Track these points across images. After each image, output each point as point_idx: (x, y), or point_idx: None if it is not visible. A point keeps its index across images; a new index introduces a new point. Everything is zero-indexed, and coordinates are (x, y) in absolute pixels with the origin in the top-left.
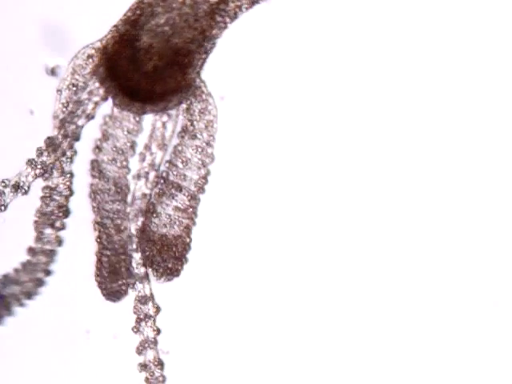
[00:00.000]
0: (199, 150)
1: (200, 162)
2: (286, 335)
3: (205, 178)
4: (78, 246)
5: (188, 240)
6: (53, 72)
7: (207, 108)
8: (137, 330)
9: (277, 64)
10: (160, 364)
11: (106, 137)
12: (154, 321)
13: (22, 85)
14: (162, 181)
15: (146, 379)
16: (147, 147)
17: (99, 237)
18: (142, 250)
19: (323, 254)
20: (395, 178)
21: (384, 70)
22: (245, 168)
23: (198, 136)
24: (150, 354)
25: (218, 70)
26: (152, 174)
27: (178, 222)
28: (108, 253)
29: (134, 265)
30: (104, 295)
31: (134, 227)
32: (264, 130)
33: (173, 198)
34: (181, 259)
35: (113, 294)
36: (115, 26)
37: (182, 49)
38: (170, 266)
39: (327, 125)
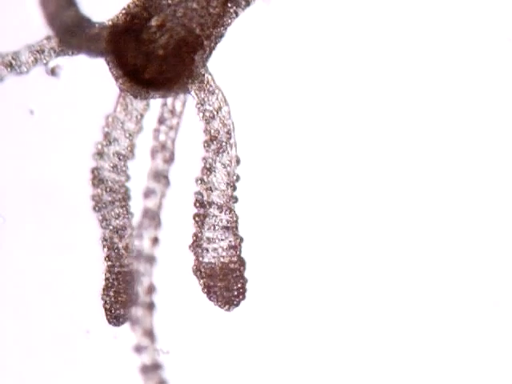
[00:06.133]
0: (221, 152)
1: (225, 170)
2: (291, 336)
3: (232, 185)
4: (79, 247)
5: (238, 260)
6: (53, 72)
7: (220, 105)
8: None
9: (277, 64)
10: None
11: (107, 139)
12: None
13: (22, 85)
14: (196, 204)
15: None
16: (161, 122)
17: (108, 256)
18: (202, 288)
19: (326, 253)
20: (394, 177)
21: (384, 69)
22: (246, 169)
23: (219, 138)
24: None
25: (219, 70)
26: (167, 152)
27: (222, 244)
28: (117, 275)
29: (140, 292)
30: (108, 318)
31: (145, 242)
32: (265, 130)
33: (207, 217)
34: (238, 283)
35: (117, 318)
36: (127, 5)
37: (192, 32)
38: (235, 294)
39: (327, 124)
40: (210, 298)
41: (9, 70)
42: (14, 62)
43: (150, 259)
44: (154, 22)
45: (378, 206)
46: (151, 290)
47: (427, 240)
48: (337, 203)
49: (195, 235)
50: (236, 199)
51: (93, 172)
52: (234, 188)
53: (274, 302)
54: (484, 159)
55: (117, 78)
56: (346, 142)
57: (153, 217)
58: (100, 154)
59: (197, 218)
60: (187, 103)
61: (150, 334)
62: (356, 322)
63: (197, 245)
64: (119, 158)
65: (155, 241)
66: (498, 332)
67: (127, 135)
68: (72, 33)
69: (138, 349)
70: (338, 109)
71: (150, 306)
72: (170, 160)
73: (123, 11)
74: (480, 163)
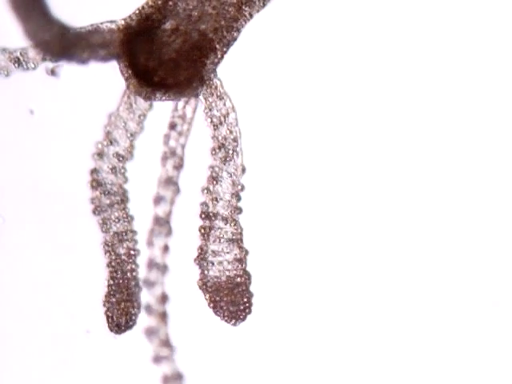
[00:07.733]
0: (227, 160)
1: (231, 179)
2: (294, 337)
3: (237, 195)
4: (79, 247)
5: (243, 273)
6: (53, 72)
7: (227, 111)
8: None
9: (277, 65)
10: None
11: (108, 139)
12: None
13: (22, 85)
14: (202, 216)
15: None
16: (171, 127)
17: (110, 263)
18: (208, 303)
19: (333, 266)
20: (395, 179)
21: (385, 70)
22: (249, 171)
23: (226, 145)
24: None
25: (219, 72)
26: (177, 158)
27: (227, 257)
28: (119, 282)
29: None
30: (109, 326)
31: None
32: (266, 131)
33: (213, 229)
34: (244, 297)
35: (118, 326)
36: (141, 6)
37: (206, 36)
38: (241, 308)
39: (336, 134)
40: (216, 313)
41: (16, 65)
42: (21, 58)
43: (161, 268)
44: (168, 26)
45: (380, 212)
46: (164, 299)
47: (427, 240)
48: (344, 215)
49: (200, 248)
50: (240, 210)
51: (91, 174)
52: (239, 198)
53: (280, 316)
54: (484, 158)
55: (127, 79)
56: (354, 152)
57: (162, 224)
58: (100, 155)
59: (202, 231)
60: (197, 109)
61: (166, 343)
62: (360, 330)
63: (202, 258)
64: (118, 159)
65: (165, 249)
66: (498, 332)
67: (128, 135)
68: (74, 50)
69: (157, 359)
70: (348, 120)
71: (164, 316)
72: (179, 166)
73: (137, 12)
74: (480, 162)
